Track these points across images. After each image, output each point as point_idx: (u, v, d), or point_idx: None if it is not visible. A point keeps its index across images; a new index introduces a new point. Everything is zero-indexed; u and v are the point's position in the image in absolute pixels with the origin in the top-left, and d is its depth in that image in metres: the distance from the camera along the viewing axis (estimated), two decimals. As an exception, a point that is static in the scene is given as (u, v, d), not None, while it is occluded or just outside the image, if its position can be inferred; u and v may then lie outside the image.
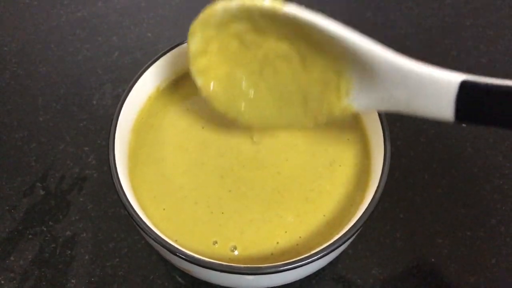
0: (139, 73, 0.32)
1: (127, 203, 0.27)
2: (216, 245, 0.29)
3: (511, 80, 0.20)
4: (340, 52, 0.24)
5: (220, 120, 0.33)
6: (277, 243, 0.29)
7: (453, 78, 0.21)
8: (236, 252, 0.29)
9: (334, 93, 0.26)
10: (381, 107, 0.25)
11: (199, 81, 0.29)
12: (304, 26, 0.24)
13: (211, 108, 0.30)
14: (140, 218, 0.27)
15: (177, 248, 0.26)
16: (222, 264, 0.26)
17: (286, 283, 0.29)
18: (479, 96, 0.20)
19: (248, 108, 0.30)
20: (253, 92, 0.29)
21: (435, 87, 0.21)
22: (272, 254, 0.29)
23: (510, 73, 0.44)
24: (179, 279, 0.34)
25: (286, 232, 0.29)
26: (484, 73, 0.44)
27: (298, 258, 0.26)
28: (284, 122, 0.29)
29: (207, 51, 0.28)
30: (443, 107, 0.21)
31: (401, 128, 0.40)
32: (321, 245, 0.26)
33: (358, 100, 0.25)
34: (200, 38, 0.27)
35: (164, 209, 0.30)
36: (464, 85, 0.21)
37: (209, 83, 0.29)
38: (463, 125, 0.22)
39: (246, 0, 0.25)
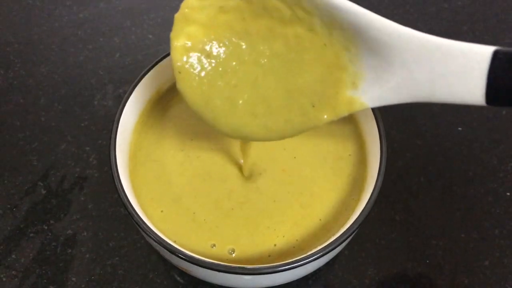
0: (141, 75, 0.33)
1: (127, 203, 0.28)
2: (214, 248, 0.29)
3: None
4: (350, 34, 0.21)
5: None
6: (275, 245, 0.30)
7: (485, 49, 0.18)
8: (234, 255, 0.29)
9: (340, 86, 0.22)
10: (397, 97, 0.21)
11: (178, 57, 0.24)
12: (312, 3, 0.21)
13: (187, 104, 0.26)
14: (140, 218, 0.28)
15: (177, 248, 0.27)
16: (220, 264, 0.26)
17: (283, 283, 0.30)
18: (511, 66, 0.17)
19: (228, 106, 0.24)
20: (237, 83, 0.24)
21: (464, 60, 0.19)
22: (269, 256, 0.29)
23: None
24: (178, 278, 0.34)
25: (283, 236, 0.30)
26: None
27: (295, 259, 0.26)
28: (275, 124, 0.24)
29: (194, 19, 0.23)
30: (473, 84, 0.18)
31: (398, 131, 0.41)
32: (318, 247, 0.27)
33: (369, 92, 0.22)
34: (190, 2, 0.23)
35: (162, 211, 0.31)
36: (497, 55, 0.18)
37: (186, 60, 0.24)
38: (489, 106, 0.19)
39: None
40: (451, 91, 0.19)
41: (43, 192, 0.38)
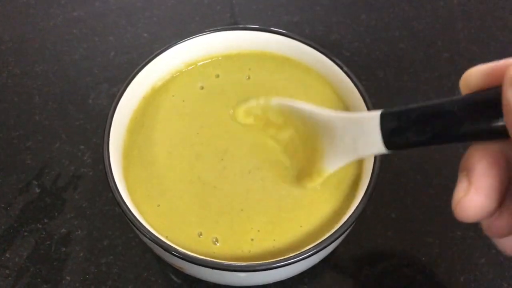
0: (134, 72, 0.33)
1: (121, 201, 0.28)
2: (201, 237, 0.29)
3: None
4: (315, 123, 0.30)
5: (214, 122, 0.34)
6: (274, 240, 0.30)
7: (376, 113, 0.25)
8: (218, 244, 0.29)
9: (317, 162, 0.30)
10: (343, 161, 0.29)
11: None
12: (288, 110, 0.32)
13: None
14: (134, 216, 0.27)
15: (169, 245, 0.26)
16: (214, 262, 0.26)
17: (278, 280, 0.30)
18: (395, 120, 0.24)
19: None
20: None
21: (366, 123, 0.26)
22: (252, 239, 0.30)
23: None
24: (172, 277, 0.34)
25: (282, 235, 0.30)
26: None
27: (290, 255, 0.26)
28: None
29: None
30: (375, 139, 0.25)
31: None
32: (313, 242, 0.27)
33: (330, 162, 0.29)
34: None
35: (158, 205, 0.31)
36: (383, 114, 0.25)
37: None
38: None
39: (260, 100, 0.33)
40: (365, 147, 0.26)
41: (37, 190, 0.38)
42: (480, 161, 0.21)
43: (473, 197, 0.21)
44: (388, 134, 0.24)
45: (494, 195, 0.21)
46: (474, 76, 0.21)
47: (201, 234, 0.30)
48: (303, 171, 0.31)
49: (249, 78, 0.36)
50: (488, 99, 0.20)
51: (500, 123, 0.20)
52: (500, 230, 0.22)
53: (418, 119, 0.23)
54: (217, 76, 0.36)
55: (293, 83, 0.36)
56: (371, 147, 0.26)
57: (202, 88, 0.35)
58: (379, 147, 0.25)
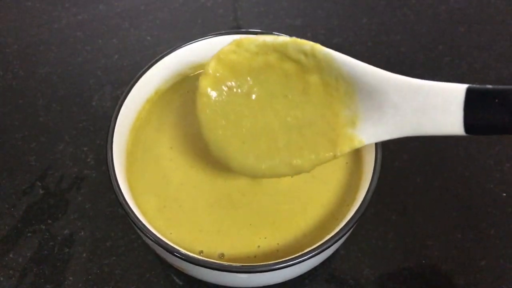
0: (138, 75, 0.33)
1: (123, 203, 0.28)
2: (202, 254, 0.30)
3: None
4: (346, 82, 0.25)
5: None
6: (266, 238, 0.30)
7: (460, 86, 0.22)
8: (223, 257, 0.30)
9: (340, 127, 0.26)
10: (389, 133, 0.25)
11: (207, 84, 0.27)
12: (319, 57, 0.26)
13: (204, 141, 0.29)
14: (137, 217, 0.28)
15: (172, 246, 0.27)
16: (215, 263, 0.26)
17: (279, 282, 0.30)
18: (488, 99, 0.20)
19: (236, 142, 0.27)
20: (249, 122, 0.27)
21: (443, 96, 0.22)
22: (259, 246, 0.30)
23: (502, 79, 0.45)
24: (175, 278, 0.34)
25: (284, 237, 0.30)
26: (477, 78, 0.44)
27: (289, 257, 0.26)
28: (280, 163, 0.27)
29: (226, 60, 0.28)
30: (453, 117, 0.21)
31: (395, 132, 0.41)
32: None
33: (365, 130, 0.25)
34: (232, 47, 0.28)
35: (158, 209, 0.31)
36: (469, 90, 0.21)
37: (212, 88, 0.27)
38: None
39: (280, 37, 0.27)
40: (435, 124, 0.22)
41: (41, 192, 0.38)
42: None
43: None
44: (474, 114, 0.21)
45: None
46: None
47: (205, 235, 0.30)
48: (321, 132, 0.26)
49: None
50: None
51: None
52: None
53: None
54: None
55: None
56: (444, 126, 0.22)
57: None
58: (456, 128, 0.22)
